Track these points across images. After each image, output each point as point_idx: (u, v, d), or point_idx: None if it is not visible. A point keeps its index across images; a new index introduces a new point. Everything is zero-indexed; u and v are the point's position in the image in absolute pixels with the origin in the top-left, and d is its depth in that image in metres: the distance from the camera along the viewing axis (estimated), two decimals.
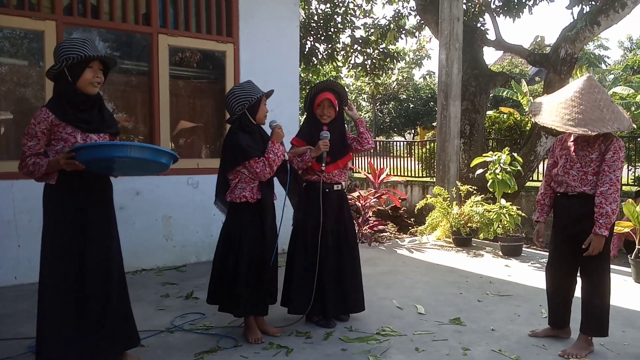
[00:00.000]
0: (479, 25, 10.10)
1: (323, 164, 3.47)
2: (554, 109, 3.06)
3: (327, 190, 3.55)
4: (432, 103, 26.87)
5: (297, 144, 3.62)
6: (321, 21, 12.03)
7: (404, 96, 28.37)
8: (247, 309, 3.27)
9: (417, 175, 12.18)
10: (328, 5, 12.16)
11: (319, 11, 12.25)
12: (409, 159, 13.42)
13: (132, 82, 5.46)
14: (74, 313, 2.66)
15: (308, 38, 11.96)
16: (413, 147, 14.36)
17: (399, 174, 12.45)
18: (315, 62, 12.36)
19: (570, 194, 3.10)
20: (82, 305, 2.67)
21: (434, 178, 9.37)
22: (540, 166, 9.43)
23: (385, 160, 13.50)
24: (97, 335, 2.70)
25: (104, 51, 5.20)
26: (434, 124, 24.84)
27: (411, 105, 28.26)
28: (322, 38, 12.10)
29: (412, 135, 30.49)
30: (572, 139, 3.16)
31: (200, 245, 5.50)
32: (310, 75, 13.36)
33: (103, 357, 2.75)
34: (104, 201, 2.83)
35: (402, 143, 15.83)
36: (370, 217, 7.46)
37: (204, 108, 5.95)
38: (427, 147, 12.55)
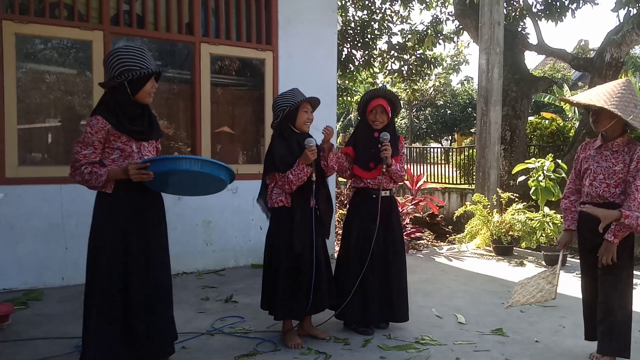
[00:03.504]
0: (519, 29, 9.89)
1: (384, 167, 3.46)
2: (594, 91, 3.08)
3: (374, 196, 3.53)
4: (469, 109, 26.44)
5: (344, 151, 3.66)
6: (358, 28, 12.03)
7: (441, 102, 28.02)
8: (281, 312, 3.28)
9: (454, 182, 11.98)
10: (365, 12, 12.17)
11: (356, 18, 12.27)
12: (446, 165, 13.20)
13: (175, 90, 5.60)
14: (116, 317, 2.69)
15: (345, 45, 11.99)
16: (450, 153, 14.15)
17: (436, 180, 12.28)
18: (352, 69, 12.35)
19: (595, 205, 3.00)
20: (126, 310, 2.70)
21: (473, 185, 9.21)
22: None
23: (421, 167, 13.32)
24: (142, 342, 2.73)
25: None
26: (472, 130, 24.42)
27: (448, 112, 27.89)
28: (359, 45, 12.09)
29: (449, 141, 30.06)
30: (596, 145, 3.09)
31: (239, 249, 5.57)
32: (347, 82, 13.36)
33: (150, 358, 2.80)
34: (160, 211, 2.87)
35: (439, 149, 15.60)
36: (407, 224, 7.38)
37: (243, 115, 6.04)
38: (465, 153, 12.34)
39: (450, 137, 30.13)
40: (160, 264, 2.83)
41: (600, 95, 2.95)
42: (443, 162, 13.86)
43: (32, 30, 4.60)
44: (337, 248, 6.41)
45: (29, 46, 4.83)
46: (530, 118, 12.01)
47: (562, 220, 5.98)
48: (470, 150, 11.79)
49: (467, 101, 27.28)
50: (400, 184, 9.90)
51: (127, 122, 2.70)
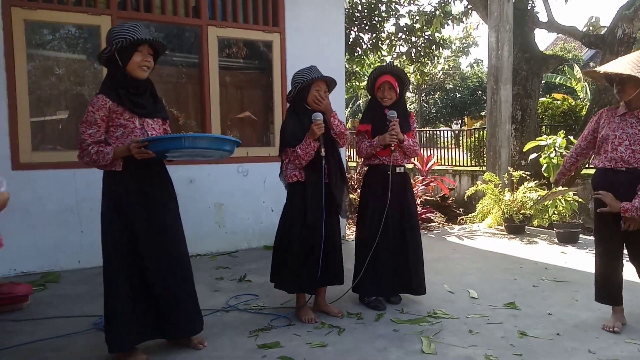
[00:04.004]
0: (529, 7, 9.74)
1: (392, 145, 3.50)
2: (618, 61, 3.16)
3: (389, 172, 3.55)
4: (479, 92, 26.22)
5: (362, 129, 3.65)
6: (365, 11, 11.91)
7: (451, 86, 27.81)
8: (292, 285, 3.34)
9: (465, 165, 11.91)
10: None
11: (363, 1, 12.15)
12: (457, 150, 13.12)
13: (183, 74, 5.61)
14: (135, 295, 2.70)
15: (352, 28, 11.89)
16: (461, 136, 14.05)
17: (446, 164, 12.21)
18: (360, 52, 12.26)
19: (617, 170, 3.10)
20: (145, 288, 2.71)
21: (484, 167, 9.15)
22: None
23: (431, 151, 13.23)
24: (161, 318, 2.74)
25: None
26: (482, 113, 24.21)
27: (458, 95, 27.68)
28: (367, 28, 11.98)
29: (459, 125, 29.85)
30: (619, 113, 3.16)
31: (251, 232, 5.61)
32: (355, 66, 13.27)
33: (168, 338, 2.84)
34: (166, 185, 2.86)
35: (449, 133, 15.48)
36: (418, 204, 7.37)
37: (252, 97, 6.05)
38: (476, 135, 12.25)
39: (460, 121, 29.91)
40: (174, 240, 2.81)
41: (626, 64, 3.01)
42: (453, 146, 13.77)
43: (41, 16, 4.62)
44: (347, 230, 6.44)
45: (39, 34, 4.86)
46: (541, 99, 11.89)
47: (574, 197, 5.97)
48: (481, 132, 11.70)
49: (477, 84, 27.03)
50: (410, 165, 9.87)
51: (126, 96, 2.69)
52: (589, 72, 3.46)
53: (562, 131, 6.56)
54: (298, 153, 3.20)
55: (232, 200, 5.48)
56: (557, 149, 6.14)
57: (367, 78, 3.76)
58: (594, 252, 5.30)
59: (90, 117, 2.65)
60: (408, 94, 28.99)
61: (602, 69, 3.21)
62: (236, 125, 5.89)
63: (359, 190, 4.09)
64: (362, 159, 3.78)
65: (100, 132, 2.67)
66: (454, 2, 11.61)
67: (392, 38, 12.52)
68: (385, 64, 4.21)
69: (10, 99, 4.50)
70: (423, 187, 7.52)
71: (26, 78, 4.57)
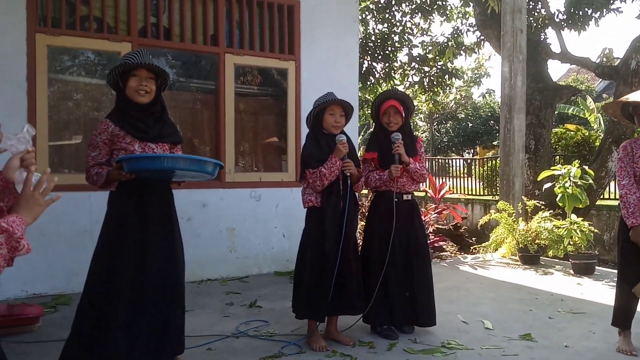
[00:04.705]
0: (542, 38, 9.82)
1: (397, 165, 3.44)
2: None
3: (397, 200, 3.51)
4: (492, 122, 26.20)
5: (368, 157, 3.63)
6: (378, 41, 12.09)
7: (462, 115, 27.86)
8: (303, 312, 3.32)
9: (477, 194, 11.86)
10: (385, 25, 12.24)
11: (376, 31, 12.35)
12: (469, 179, 13.09)
13: (199, 100, 5.71)
14: (115, 317, 2.62)
15: (365, 58, 12.04)
16: (473, 165, 14.02)
17: (458, 193, 12.16)
18: (373, 81, 12.39)
19: None
20: (127, 310, 2.62)
21: (496, 196, 9.09)
22: (612, 184, 8.94)
23: (443, 179, 13.20)
24: (143, 339, 2.64)
25: (166, 67, 5.50)
26: (495, 142, 24.16)
27: (470, 124, 27.68)
28: (380, 57, 12.14)
29: (471, 154, 29.78)
30: None
31: (262, 257, 5.59)
32: (367, 94, 13.39)
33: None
34: (163, 209, 2.79)
35: (460, 161, 15.46)
36: (430, 232, 7.31)
37: (267, 123, 6.12)
38: (488, 164, 12.22)
39: (472, 150, 29.86)
40: (169, 260, 2.74)
41: None
42: (465, 175, 13.75)
43: (64, 42, 4.75)
44: None
45: (59, 60, 4.98)
46: (554, 129, 11.88)
47: (589, 228, 5.89)
48: (493, 162, 11.67)
49: (489, 114, 27.03)
50: (422, 193, 9.83)
51: (127, 120, 2.71)
52: (612, 103, 3.46)
53: (576, 161, 6.51)
54: (323, 172, 3.20)
55: (244, 225, 5.49)
56: (572, 178, 6.08)
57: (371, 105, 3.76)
58: (610, 283, 5.25)
59: (93, 140, 2.72)
60: (420, 123, 29.21)
61: (631, 97, 3.23)
62: (250, 151, 5.95)
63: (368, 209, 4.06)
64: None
65: (102, 154, 2.72)
66: (466, 33, 11.77)
67: (405, 67, 12.65)
68: (389, 89, 4.21)
69: (29, 121, 4.59)
70: (435, 215, 7.46)
71: (46, 102, 4.68)
